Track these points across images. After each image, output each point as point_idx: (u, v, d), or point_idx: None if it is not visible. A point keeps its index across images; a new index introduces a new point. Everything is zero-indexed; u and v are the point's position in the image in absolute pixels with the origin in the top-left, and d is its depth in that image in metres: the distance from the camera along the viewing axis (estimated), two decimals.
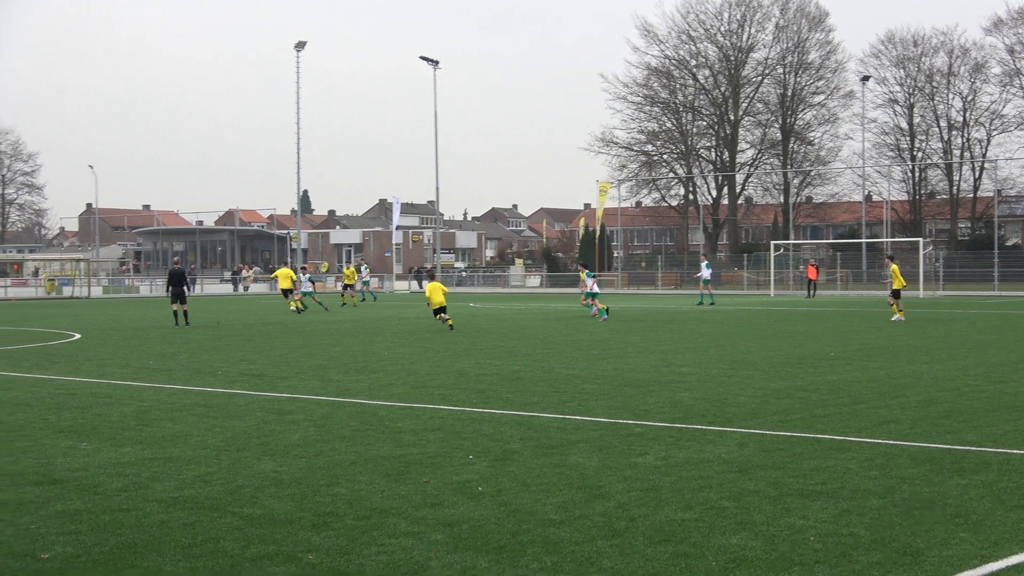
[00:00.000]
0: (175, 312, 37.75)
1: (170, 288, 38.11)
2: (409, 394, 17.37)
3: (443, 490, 10.07)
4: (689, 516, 9.04)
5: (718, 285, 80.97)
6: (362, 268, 66.45)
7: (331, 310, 49.76)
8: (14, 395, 17.57)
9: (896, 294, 38.19)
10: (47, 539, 8.43)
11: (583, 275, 42.64)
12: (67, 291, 79.86)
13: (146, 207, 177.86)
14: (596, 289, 41.24)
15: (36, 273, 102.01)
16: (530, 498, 9.71)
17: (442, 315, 34.31)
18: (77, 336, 32.37)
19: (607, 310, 40.09)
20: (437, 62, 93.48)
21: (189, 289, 38.40)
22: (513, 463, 11.37)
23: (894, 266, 39.21)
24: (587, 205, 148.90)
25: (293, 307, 48.23)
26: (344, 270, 63.61)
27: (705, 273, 54.64)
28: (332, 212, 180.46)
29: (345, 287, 58.55)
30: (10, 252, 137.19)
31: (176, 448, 12.40)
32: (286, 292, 50.41)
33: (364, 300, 61.71)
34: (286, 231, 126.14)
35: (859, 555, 7.90)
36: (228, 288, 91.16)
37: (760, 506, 9.39)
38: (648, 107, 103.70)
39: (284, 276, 51.31)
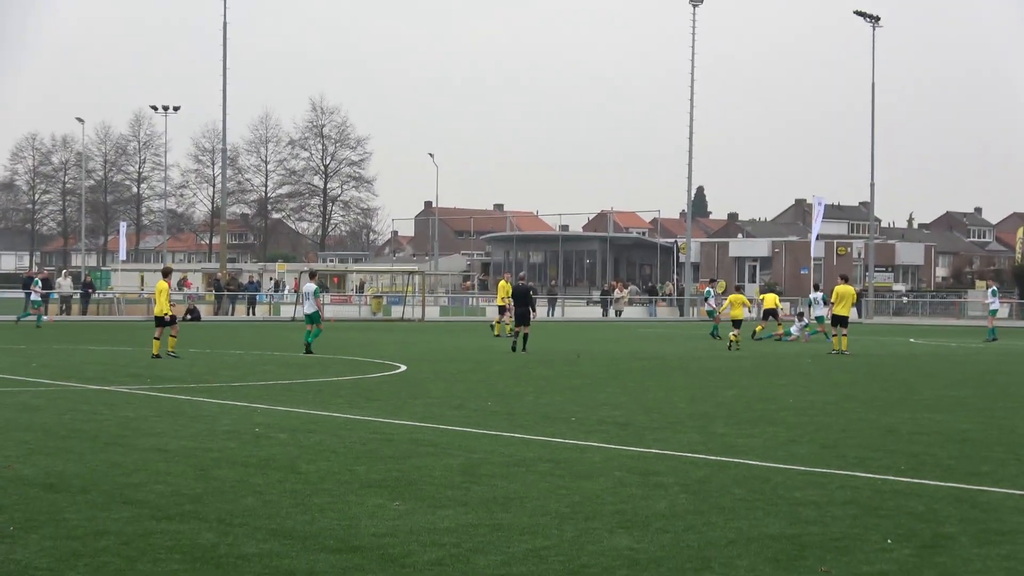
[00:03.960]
0: (515, 334, 40.22)
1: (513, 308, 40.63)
2: (816, 455, 17.20)
3: None
4: None
5: None
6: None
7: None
8: (318, 439, 18.34)
9: None
10: None
11: (704, 290, 55.78)
12: (396, 311, 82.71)
13: (498, 207, 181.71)
14: (714, 306, 54.52)
15: (361, 288, 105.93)
16: None
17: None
18: (403, 368, 33.57)
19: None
20: (878, 18, 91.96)
21: (535, 310, 40.27)
22: (946, 552, 11.09)
23: None
24: None
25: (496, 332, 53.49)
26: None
27: (993, 302, 56.51)
28: (733, 216, 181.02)
29: None
30: (331, 261, 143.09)
31: (508, 513, 12.68)
32: (501, 310, 54.29)
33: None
34: (672, 240, 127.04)
35: None
36: (596, 312, 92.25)
37: None
38: None
39: (502, 289, 54.76)
